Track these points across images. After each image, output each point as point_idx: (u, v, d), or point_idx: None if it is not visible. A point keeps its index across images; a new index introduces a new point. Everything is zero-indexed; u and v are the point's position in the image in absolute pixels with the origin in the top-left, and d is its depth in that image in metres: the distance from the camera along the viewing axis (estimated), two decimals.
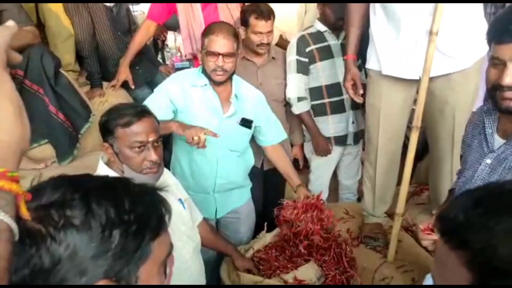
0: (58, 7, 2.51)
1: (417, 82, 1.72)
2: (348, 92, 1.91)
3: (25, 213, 0.46)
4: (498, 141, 1.10)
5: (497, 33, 1.00)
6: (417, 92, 1.76)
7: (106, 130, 1.27)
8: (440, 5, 1.51)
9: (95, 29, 2.53)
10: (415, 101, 1.84)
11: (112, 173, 1.28)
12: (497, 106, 1.05)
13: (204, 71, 1.79)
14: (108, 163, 1.32)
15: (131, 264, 0.55)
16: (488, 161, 1.10)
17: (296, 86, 2.26)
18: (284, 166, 2.01)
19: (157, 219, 0.60)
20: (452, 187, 1.42)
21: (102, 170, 1.31)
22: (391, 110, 1.86)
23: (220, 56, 1.71)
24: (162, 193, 0.63)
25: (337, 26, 2.26)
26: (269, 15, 2.14)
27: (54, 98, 1.86)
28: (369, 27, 1.84)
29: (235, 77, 1.88)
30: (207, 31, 1.77)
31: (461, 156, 2.03)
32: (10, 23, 0.50)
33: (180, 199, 1.49)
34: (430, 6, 1.59)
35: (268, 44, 2.19)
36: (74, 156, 2.02)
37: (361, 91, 1.88)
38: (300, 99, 2.28)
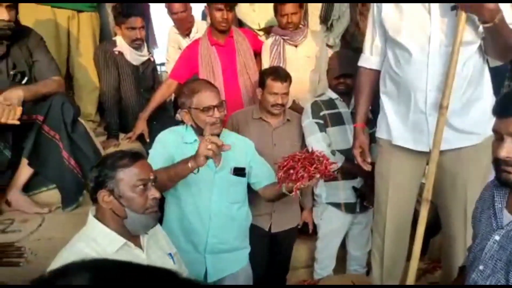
0: (88, 61, 2.69)
1: (427, 154, 1.71)
2: (357, 159, 1.91)
3: None
4: (507, 217, 1.05)
5: (497, 107, 1.06)
6: (427, 164, 1.74)
7: (104, 177, 1.26)
8: (450, 79, 1.54)
9: (120, 83, 2.67)
10: (425, 174, 1.80)
11: (101, 228, 1.26)
12: (497, 178, 1.07)
13: (193, 128, 1.82)
14: (99, 216, 1.29)
15: None
16: (497, 237, 1.05)
17: (319, 147, 2.23)
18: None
19: None
20: (462, 264, 1.34)
21: (92, 225, 1.28)
22: (400, 180, 1.83)
23: (215, 109, 1.75)
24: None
25: (339, 88, 2.31)
26: (286, 78, 2.21)
27: (68, 144, 1.92)
28: (379, 96, 1.87)
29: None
30: (192, 91, 1.78)
31: None
32: None
33: (170, 254, 1.45)
34: (440, 80, 1.62)
35: (283, 105, 2.23)
36: (78, 203, 2.03)
37: (369, 159, 1.87)
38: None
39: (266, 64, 2.65)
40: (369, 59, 1.89)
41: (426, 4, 1.62)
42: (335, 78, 2.32)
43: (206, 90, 1.77)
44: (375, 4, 1.80)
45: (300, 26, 2.67)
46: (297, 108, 2.53)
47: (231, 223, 1.88)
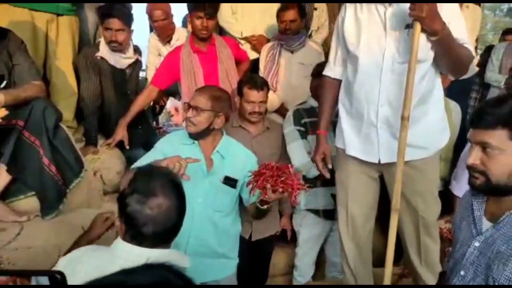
0: (66, 66, 2.63)
1: (377, 165, 1.82)
2: (318, 166, 1.96)
3: None
4: (485, 224, 1.12)
5: (470, 118, 1.14)
6: (379, 175, 1.88)
7: None
8: (409, 91, 1.60)
9: (102, 89, 2.62)
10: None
11: None
12: (468, 183, 1.15)
13: None
14: None
15: None
16: (477, 244, 1.11)
17: (299, 154, 2.30)
18: None
19: None
20: (443, 270, 1.41)
21: None
22: (357, 187, 1.89)
23: (191, 109, 1.82)
24: None
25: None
26: (262, 86, 2.25)
27: (49, 150, 1.87)
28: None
29: (226, 137, 1.95)
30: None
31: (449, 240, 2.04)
32: None
33: None
34: (391, 96, 1.70)
35: (260, 113, 2.27)
36: (59, 211, 1.97)
37: (330, 166, 1.93)
38: (308, 164, 2.28)
39: (261, 66, 2.71)
40: (333, 69, 1.95)
41: (382, 20, 1.69)
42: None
43: (197, 91, 1.90)
44: (340, 16, 1.86)
45: (299, 34, 2.76)
46: (283, 112, 2.59)
47: (213, 227, 1.88)
